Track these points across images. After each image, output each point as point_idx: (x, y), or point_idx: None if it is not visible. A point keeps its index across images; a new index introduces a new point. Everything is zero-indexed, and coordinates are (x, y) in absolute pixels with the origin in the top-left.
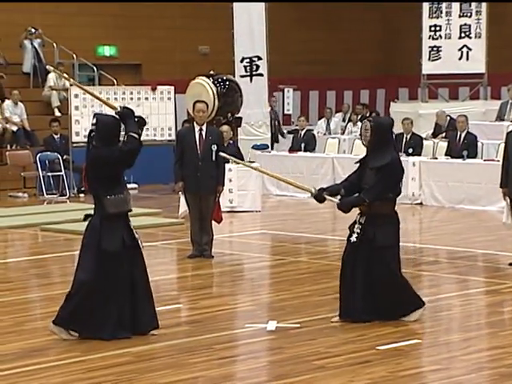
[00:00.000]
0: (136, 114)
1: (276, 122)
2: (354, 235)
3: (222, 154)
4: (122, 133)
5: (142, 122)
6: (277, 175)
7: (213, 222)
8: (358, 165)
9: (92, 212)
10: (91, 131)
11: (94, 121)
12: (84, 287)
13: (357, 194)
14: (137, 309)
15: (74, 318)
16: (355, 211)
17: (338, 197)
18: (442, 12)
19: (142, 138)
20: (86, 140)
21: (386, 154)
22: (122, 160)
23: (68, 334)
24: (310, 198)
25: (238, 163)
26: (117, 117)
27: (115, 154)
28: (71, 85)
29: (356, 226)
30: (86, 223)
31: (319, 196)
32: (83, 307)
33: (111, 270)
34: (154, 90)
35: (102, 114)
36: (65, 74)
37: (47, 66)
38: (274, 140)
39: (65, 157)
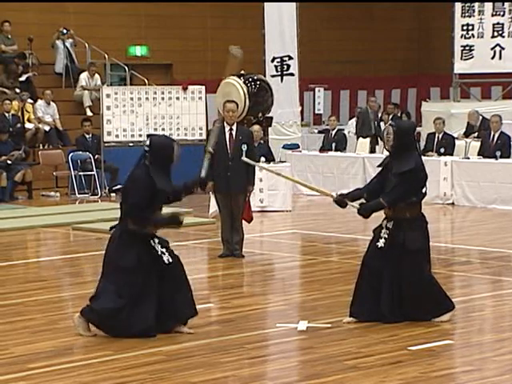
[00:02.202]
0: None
1: (375, 123)
2: (382, 240)
3: (244, 159)
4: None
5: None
6: (298, 180)
7: (243, 221)
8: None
9: (117, 222)
10: (145, 151)
11: (148, 142)
12: (107, 312)
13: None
14: (172, 305)
15: (100, 319)
16: (380, 216)
17: (360, 201)
18: (474, 11)
19: (173, 137)
20: (117, 140)
21: (409, 159)
22: (167, 195)
23: (87, 331)
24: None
25: (263, 169)
26: (169, 137)
27: (168, 190)
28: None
29: (383, 231)
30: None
31: (341, 201)
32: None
33: (131, 283)
34: (185, 89)
35: (155, 135)
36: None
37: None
38: (376, 142)
39: (96, 156)
